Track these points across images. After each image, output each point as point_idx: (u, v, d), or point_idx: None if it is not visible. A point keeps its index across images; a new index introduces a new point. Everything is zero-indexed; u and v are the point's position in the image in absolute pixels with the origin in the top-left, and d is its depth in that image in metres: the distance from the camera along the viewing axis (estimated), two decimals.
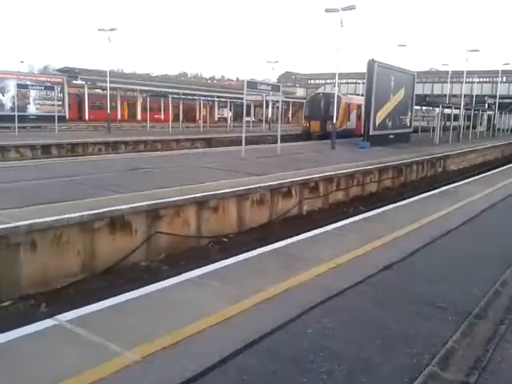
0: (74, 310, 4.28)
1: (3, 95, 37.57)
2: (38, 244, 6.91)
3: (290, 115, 62.51)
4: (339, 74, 25.23)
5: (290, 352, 3.64)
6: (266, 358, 3.51)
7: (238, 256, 6.09)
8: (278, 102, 42.28)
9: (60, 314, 4.18)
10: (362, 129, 24.66)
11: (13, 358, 3.42)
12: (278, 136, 19.49)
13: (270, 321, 4.12)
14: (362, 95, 31.65)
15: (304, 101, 38.47)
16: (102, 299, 4.66)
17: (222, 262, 5.87)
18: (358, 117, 31.32)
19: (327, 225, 8.34)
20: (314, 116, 31.46)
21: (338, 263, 5.85)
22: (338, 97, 26.42)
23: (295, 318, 4.22)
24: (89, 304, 4.52)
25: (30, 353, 3.49)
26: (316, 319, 4.24)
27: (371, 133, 23.63)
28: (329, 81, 75.31)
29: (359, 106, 31.20)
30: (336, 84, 27.91)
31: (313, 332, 3.99)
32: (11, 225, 6.62)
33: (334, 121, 23.64)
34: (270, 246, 6.67)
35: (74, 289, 7.17)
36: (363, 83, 27.67)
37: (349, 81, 69.87)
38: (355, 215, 9.59)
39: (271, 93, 20.61)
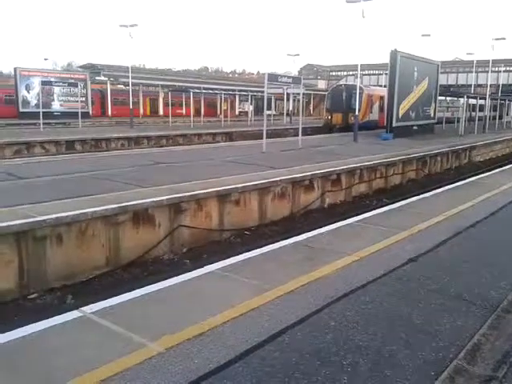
0: (99, 302, 4.34)
1: (28, 92, 38.28)
2: (63, 237, 7.03)
3: (311, 108, 62.11)
4: (361, 65, 24.89)
5: (313, 344, 3.61)
6: (288, 350, 3.50)
7: (260, 249, 6.09)
8: (299, 94, 42.02)
9: (85, 305, 4.24)
10: (385, 120, 24.33)
11: (40, 349, 3.48)
12: (300, 129, 19.38)
13: (293, 313, 4.10)
14: (384, 86, 31.22)
15: (325, 93, 38.14)
16: (127, 291, 4.71)
17: (245, 254, 5.87)
18: (381, 108, 30.92)
19: (350, 217, 8.26)
20: (336, 108, 31.17)
21: (362, 256, 5.78)
22: (360, 88, 26.12)
23: (318, 311, 4.19)
24: (113, 296, 4.57)
25: (57, 344, 3.56)
26: (339, 312, 4.21)
27: (394, 124, 23.30)
28: (351, 72, 74.36)
29: (382, 98, 30.78)
30: (358, 76, 27.56)
31: (336, 325, 3.96)
32: (37, 219, 6.74)
33: (357, 113, 23.36)
34: (292, 238, 6.64)
35: (98, 281, 7.28)
36: (386, 74, 27.25)
37: (371, 72, 68.91)
38: (379, 208, 9.48)
39: (292, 85, 20.49)
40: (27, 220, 6.66)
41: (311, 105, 62.41)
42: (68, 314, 4.08)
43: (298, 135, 19.91)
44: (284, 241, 6.50)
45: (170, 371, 3.15)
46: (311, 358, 3.41)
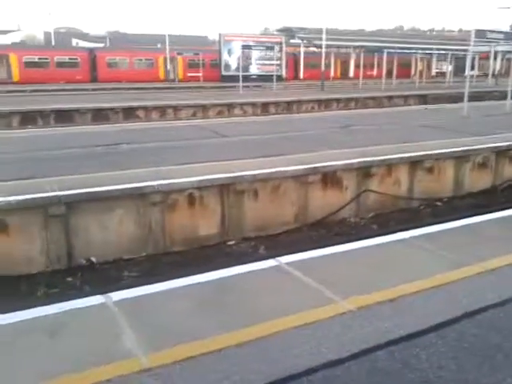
0: (292, 255, 4.58)
1: (230, 56, 41.40)
2: (259, 193, 7.58)
3: None
4: None
5: None
6: (489, 330, 3.23)
7: (456, 221, 5.65)
8: (508, 53, 36.98)
9: (280, 256, 4.54)
10: None
11: (244, 289, 3.87)
12: (509, 91, 17.12)
13: (494, 293, 3.75)
14: None
15: None
16: (314, 249, 4.87)
17: (438, 225, 5.52)
18: None
19: None
20: None
21: None
22: None
23: None
24: (303, 251, 4.78)
25: (258, 286, 3.91)
26: None
27: None
28: None
29: None
30: None
31: None
32: (238, 174, 7.39)
33: None
34: (494, 213, 6.00)
35: (286, 236, 7.70)
36: None
37: None
38: None
39: (502, 42, 18.04)
40: (230, 174, 7.34)
41: None
42: (266, 261, 4.42)
43: (504, 99, 17.71)
44: (486, 215, 5.92)
45: (360, 330, 3.20)
46: None
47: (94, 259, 6.41)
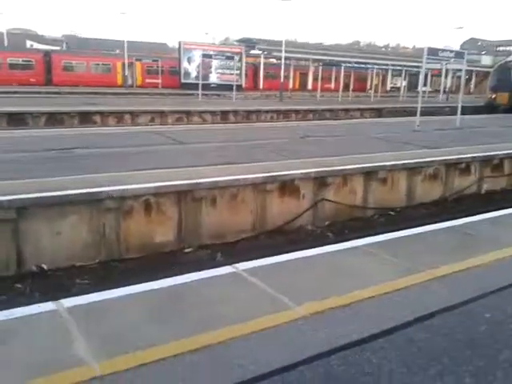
0: (249, 262, 4.60)
1: (190, 64, 41.30)
2: (217, 200, 7.56)
3: (471, 85, 56.98)
4: None
5: (465, 333, 3.41)
6: (437, 334, 3.35)
7: (408, 230, 5.85)
8: (459, 71, 38.76)
9: (237, 263, 4.54)
10: None
11: (200, 296, 3.84)
12: (459, 107, 17.91)
13: (443, 299, 3.90)
14: None
15: (490, 70, 34.59)
16: (271, 256, 4.91)
17: (392, 234, 5.69)
18: None
19: None
20: (502, 87, 28.05)
21: None
22: None
23: (472, 300, 3.92)
24: (260, 258, 4.80)
25: (211, 294, 3.88)
26: (497, 305, 3.88)
27: None
28: None
29: None
30: None
31: (492, 317, 3.67)
32: (196, 181, 7.35)
33: None
34: (444, 222, 6.25)
35: (244, 244, 7.71)
36: None
37: None
38: None
39: (452, 60, 18.85)
40: (188, 181, 7.29)
41: (471, 82, 57.21)
42: (222, 268, 4.42)
43: (454, 114, 18.51)
44: (436, 224, 6.16)
45: (313, 335, 3.25)
46: (462, 347, 3.23)
47: (45, 266, 6.20)
